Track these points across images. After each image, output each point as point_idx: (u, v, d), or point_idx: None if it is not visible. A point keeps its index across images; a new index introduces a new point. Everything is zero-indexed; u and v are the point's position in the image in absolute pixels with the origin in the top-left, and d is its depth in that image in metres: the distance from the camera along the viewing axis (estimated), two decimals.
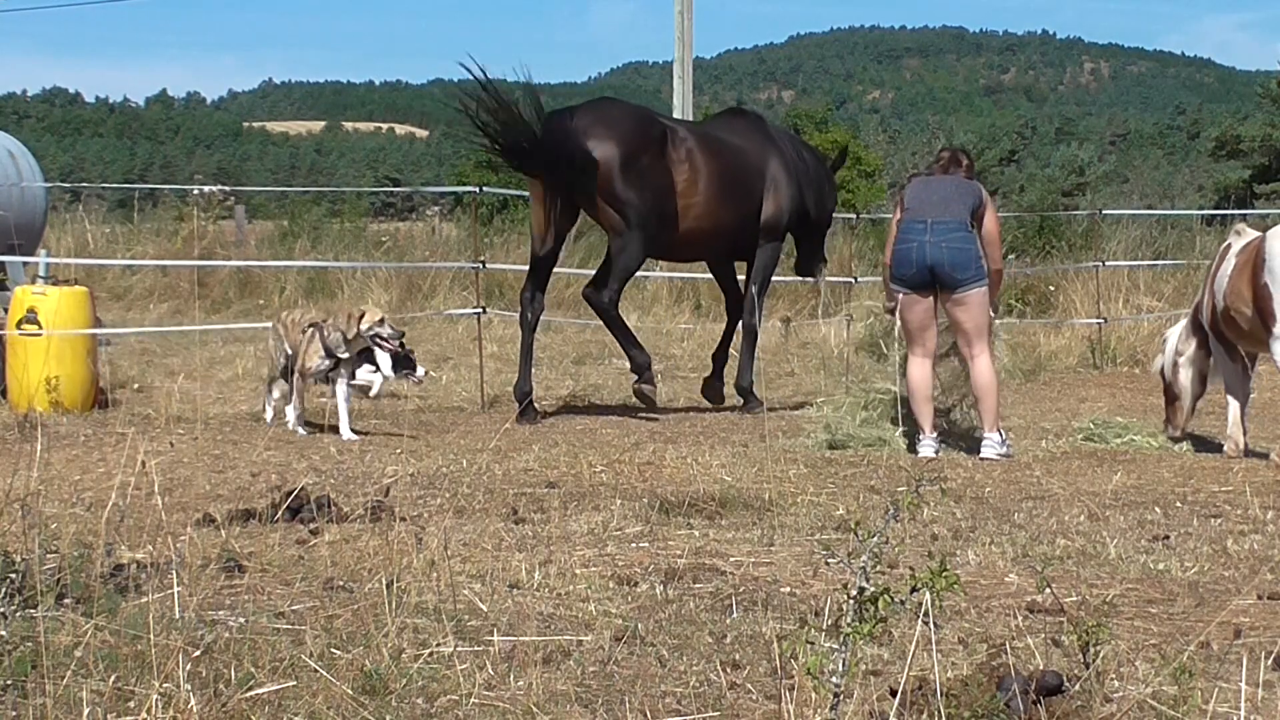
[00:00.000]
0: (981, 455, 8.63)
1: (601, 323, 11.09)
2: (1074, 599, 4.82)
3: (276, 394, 9.76)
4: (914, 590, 3.28)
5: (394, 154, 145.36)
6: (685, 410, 11.11)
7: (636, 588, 5.01)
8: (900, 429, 9.05)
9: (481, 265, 13.20)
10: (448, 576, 4.75)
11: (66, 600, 4.24)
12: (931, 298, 8.80)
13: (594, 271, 11.16)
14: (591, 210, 10.53)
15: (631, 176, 10.30)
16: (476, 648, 4.13)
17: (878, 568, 3.37)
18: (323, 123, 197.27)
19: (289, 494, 6.11)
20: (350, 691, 3.62)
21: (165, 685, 3.40)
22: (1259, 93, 47.33)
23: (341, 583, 4.85)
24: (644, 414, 10.54)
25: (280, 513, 5.98)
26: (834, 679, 3.21)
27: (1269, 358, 8.76)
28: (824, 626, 3.32)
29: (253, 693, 3.50)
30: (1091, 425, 9.54)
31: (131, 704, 3.38)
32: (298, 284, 18.88)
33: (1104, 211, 19.30)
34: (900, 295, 8.87)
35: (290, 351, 9.54)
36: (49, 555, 4.52)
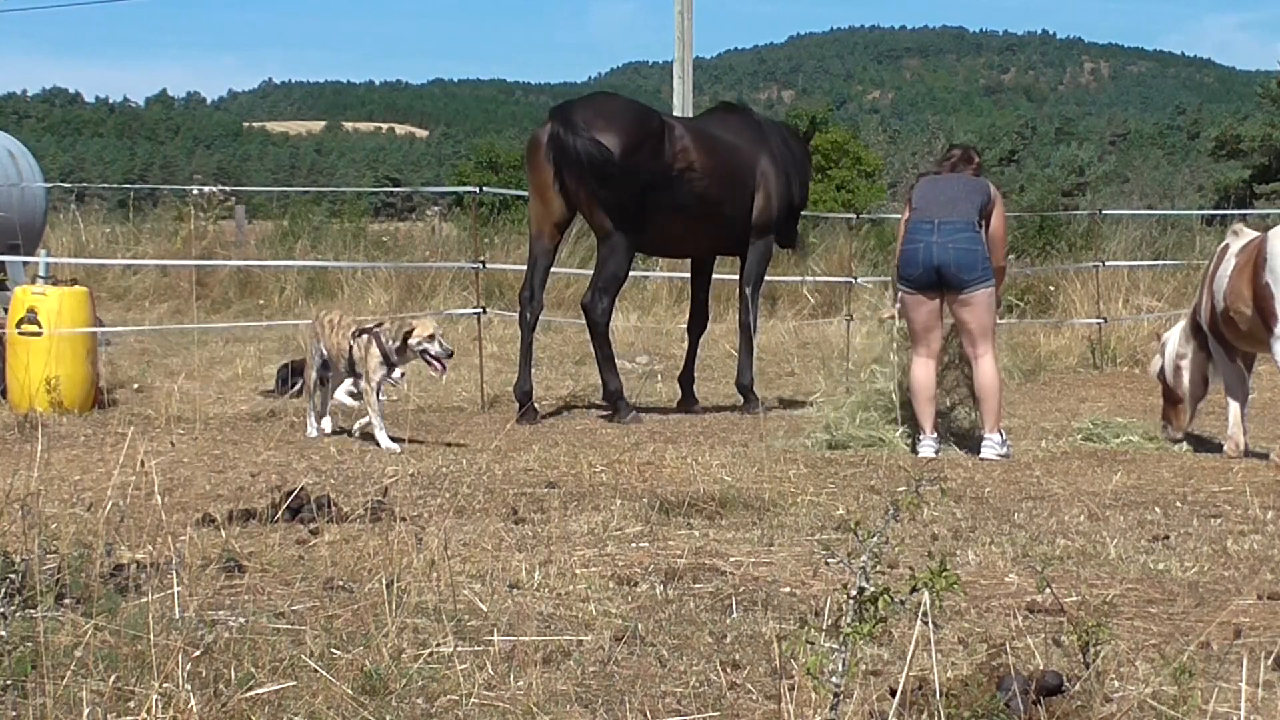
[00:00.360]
0: (981, 455, 8.63)
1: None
2: (1074, 599, 4.82)
3: (317, 405, 9.36)
4: (914, 590, 3.28)
5: (394, 154, 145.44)
6: (685, 410, 11.11)
7: (636, 588, 5.01)
8: (900, 429, 9.05)
9: (481, 265, 13.19)
10: (448, 576, 4.75)
11: (66, 600, 4.23)
12: (938, 299, 8.78)
13: (592, 272, 11.15)
14: (586, 210, 10.52)
15: (628, 173, 10.28)
16: (476, 648, 4.13)
17: (878, 568, 3.36)
18: (323, 123, 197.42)
19: (289, 494, 6.11)
20: (350, 691, 3.62)
21: (165, 685, 3.40)
22: (1259, 93, 47.31)
23: (341, 583, 4.85)
24: (644, 414, 10.55)
25: (280, 513, 5.98)
26: (834, 679, 3.21)
27: (1269, 358, 8.76)
28: (824, 626, 3.32)
29: (253, 693, 3.50)
30: (1091, 425, 9.54)
31: (131, 704, 3.38)
32: (298, 284, 18.88)
33: (1104, 211, 19.31)
34: (905, 295, 8.86)
35: (326, 353, 9.23)
36: (49, 555, 4.52)
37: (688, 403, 11.24)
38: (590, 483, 7.32)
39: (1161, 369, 9.60)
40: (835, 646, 3.22)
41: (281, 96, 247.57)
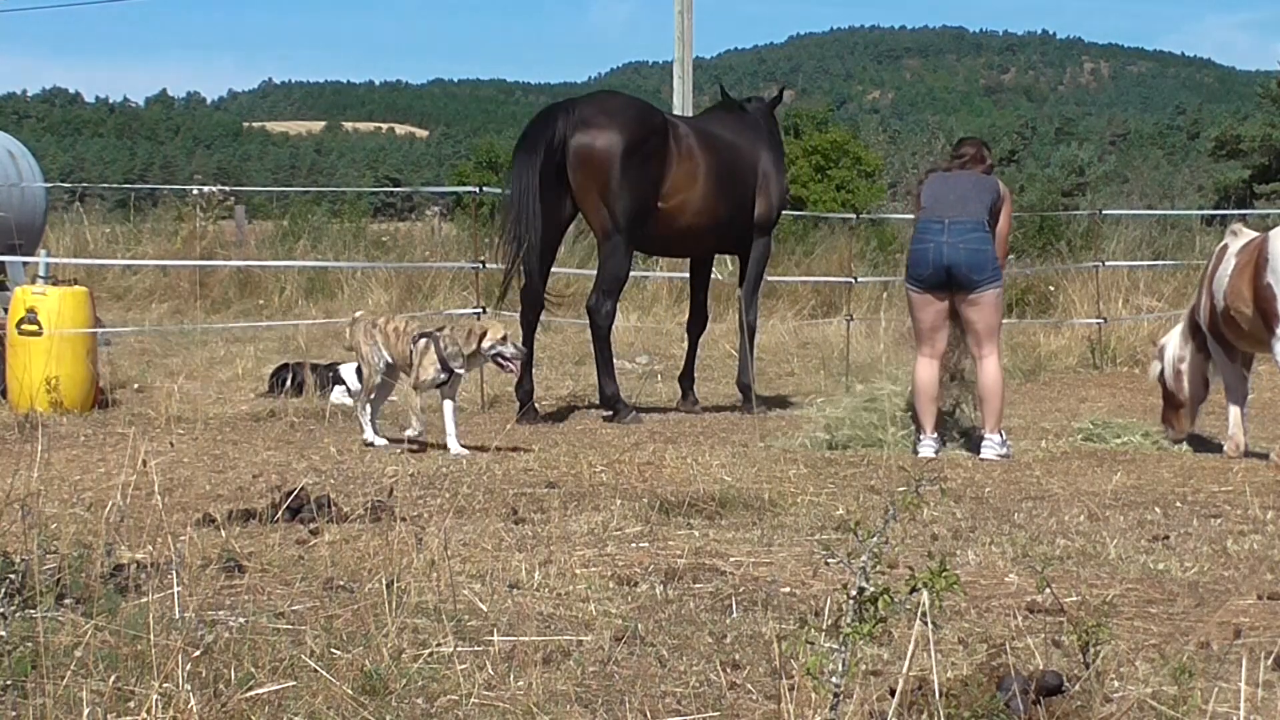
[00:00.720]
0: (981, 456, 8.63)
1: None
2: (1074, 599, 4.82)
3: (372, 411, 8.99)
4: (914, 590, 3.28)
5: (394, 154, 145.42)
6: (685, 410, 11.11)
7: (636, 588, 5.01)
8: (900, 429, 9.05)
9: (481, 265, 13.18)
10: (448, 576, 4.75)
11: (66, 600, 4.23)
12: (946, 301, 8.74)
13: (594, 271, 11.15)
14: (587, 208, 10.51)
15: (631, 172, 10.28)
16: (476, 648, 4.13)
17: (878, 568, 3.36)
18: (323, 123, 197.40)
19: (289, 494, 6.11)
20: (350, 691, 3.62)
21: (165, 685, 3.40)
22: (1259, 93, 47.32)
23: (341, 583, 4.85)
24: (644, 414, 10.55)
25: (280, 513, 5.98)
26: (834, 679, 3.21)
27: (1269, 357, 8.76)
28: (824, 626, 3.32)
29: (253, 693, 3.50)
30: (1091, 425, 9.54)
31: (131, 704, 3.37)
32: (298, 284, 18.88)
33: (1104, 211, 19.30)
34: (913, 294, 8.84)
35: (391, 360, 8.93)
36: (49, 555, 4.52)
37: (688, 403, 11.24)
38: (590, 483, 7.32)
39: (1162, 373, 9.57)
40: (835, 646, 3.22)
41: (281, 96, 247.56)
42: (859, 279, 16.47)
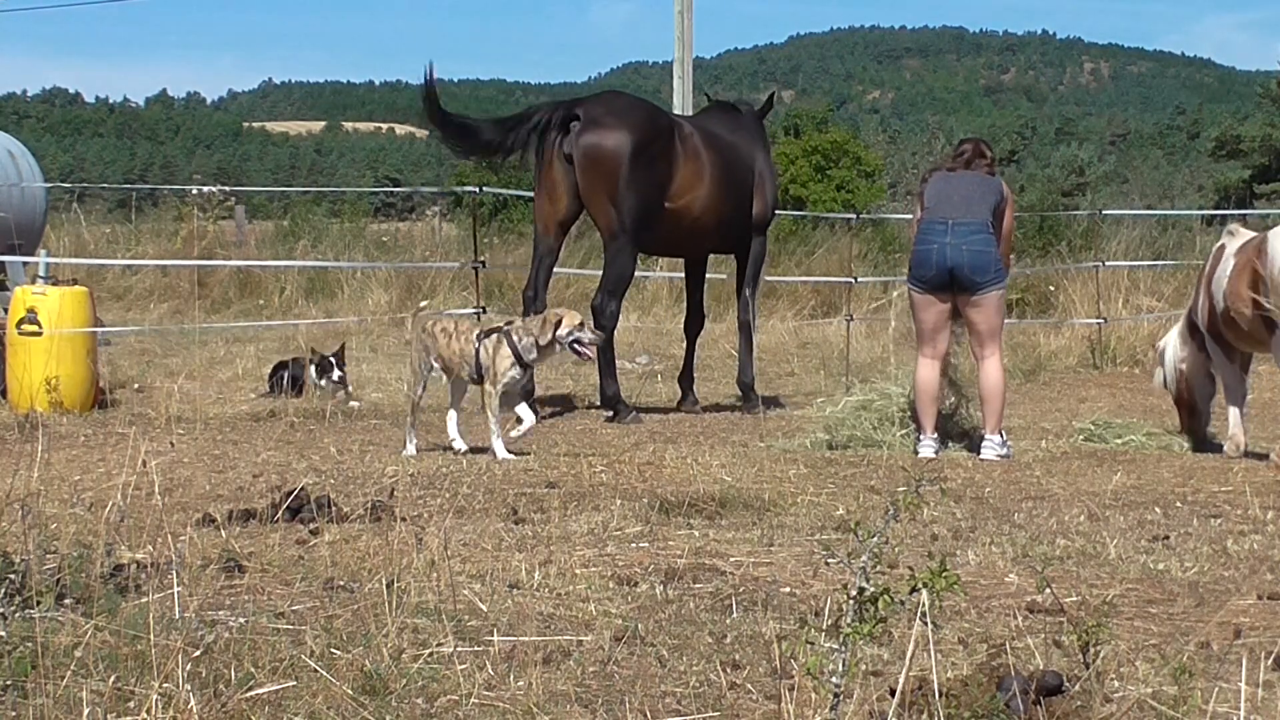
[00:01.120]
0: (981, 456, 8.63)
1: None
2: (1074, 599, 4.81)
3: (416, 419, 8.73)
4: (914, 590, 3.28)
5: (394, 154, 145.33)
6: (685, 410, 11.11)
7: (636, 588, 5.01)
8: (900, 429, 9.05)
9: (481, 265, 13.19)
10: (448, 576, 4.75)
11: (66, 600, 4.23)
12: (949, 301, 8.74)
13: (595, 271, 11.16)
14: (594, 208, 10.51)
15: (639, 172, 10.28)
16: (476, 648, 4.12)
17: (878, 568, 3.36)
18: (323, 123, 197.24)
19: (289, 494, 6.11)
20: (350, 691, 3.61)
21: (165, 685, 3.40)
22: (1259, 93, 47.38)
23: (341, 583, 4.85)
24: (644, 414, 10.55)
25: (280, 513, 5.98)
26: (834, 679, 3.21)
27: (1268, 358, 8.76)
28: (824, 626, 3.32)
29: (253, 693, 3.50)
30: (1091, 425, 9.54)
31: (131, 704, 3.37)
32: (298, 284, 18.88)
33: (1104, 211, 19.33)
34: (915, 295, 8.83)
35: (436, 365, 8.58)
36: (49, 555, 4.52)
37: (688, 403, 11.24)
38: (590, 483, 7.32)
39: (1165, 380, 9.56)
40: (835, 646, 3.22)
41: (281, 96, 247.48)
42: (859, 279, 16.47)
